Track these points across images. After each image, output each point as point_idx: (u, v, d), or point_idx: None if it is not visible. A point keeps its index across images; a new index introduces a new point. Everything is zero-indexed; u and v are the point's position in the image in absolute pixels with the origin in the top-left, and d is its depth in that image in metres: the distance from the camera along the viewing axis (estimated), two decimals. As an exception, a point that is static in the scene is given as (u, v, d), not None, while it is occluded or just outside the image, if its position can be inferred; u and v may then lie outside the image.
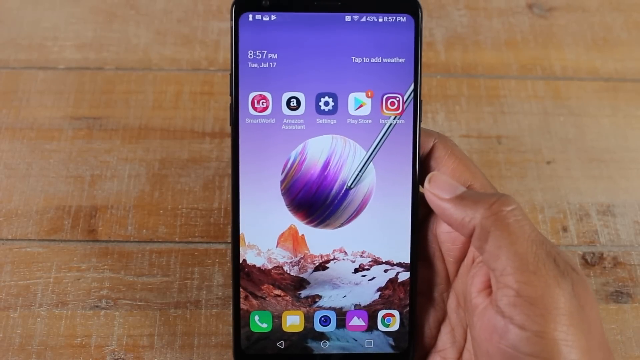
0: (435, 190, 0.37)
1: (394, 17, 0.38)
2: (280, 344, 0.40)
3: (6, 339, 0.46)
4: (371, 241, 0.39)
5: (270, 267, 0.39)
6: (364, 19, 0.38)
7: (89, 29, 0.59)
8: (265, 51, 0.38)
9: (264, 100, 0.38)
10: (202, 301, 0.48)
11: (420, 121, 0.39)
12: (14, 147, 0.53)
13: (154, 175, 0.52)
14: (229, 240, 0.49)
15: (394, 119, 0.39)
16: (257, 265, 0.39)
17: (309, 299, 0.40)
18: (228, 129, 0.41)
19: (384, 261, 0.39)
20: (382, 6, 0.38)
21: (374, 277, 0.39)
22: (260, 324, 0.39)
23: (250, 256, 0.39)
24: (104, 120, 0.55)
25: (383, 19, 0.38)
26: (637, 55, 0.60)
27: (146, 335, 0.46)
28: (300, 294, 0.40)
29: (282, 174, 0.39)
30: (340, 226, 0.39)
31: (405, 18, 0.38)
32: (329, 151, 0.39)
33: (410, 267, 0.39)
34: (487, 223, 0.34)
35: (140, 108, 0.55)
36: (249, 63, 0.38)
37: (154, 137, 0.54)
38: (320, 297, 0.40)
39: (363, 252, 0.39)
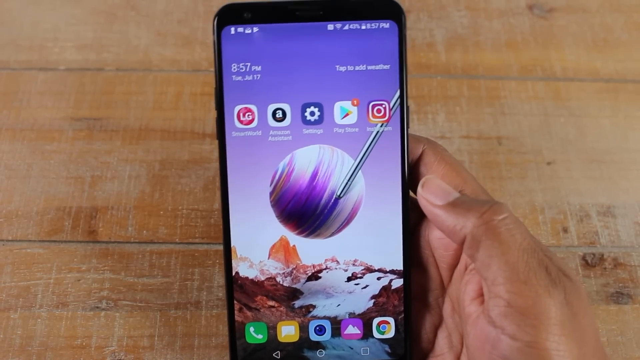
0: (428, 196, 0.36)
1: (377, 24, 0.38)
2: (277, 354, 0.40)
3: (6, 340, 0.46)
4: (363, 249, 0.39)
5: (263, 279, 0.39)
6: (346, 27, 0.38)
7: (90, 30, 0.59)
8: (249, 63, 0.38)
9: (250, 113, 0.38)
10: (203, 302, 0.48)
11: (407, 127, 0.38)
12: (15, 148, 0.53)
13: (155, 176, 0.53)
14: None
15: (381, 126, 0.38)
16: (250, 277, 0.39)
17: (303, 309, 0.39)
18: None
19: (376, 269, 0.39)
20: (365, 13, 0.38)
21: (367, 285, 0.39)
22: (255, 335, 0.39)
23: (242, 268, 0.39)
24: (104, 121, 0.55)
25: (366, 26, 0.38)
26: (638, 56, 0.59)
27: (146, 336, 0.46)
28: (294, 304, 0.39)
29: (270, 185, 0.39)
30: (331, 235, 0.39)
31: (388, 24, 0.38)
32: (317, 161, 0.38)
33: (404, 273, 0.39)
34: (478, 232, 0.34)
35: (141, 109, 0.55)
36: (233, 76, 0.38)
37: (154, 138, 0.54)
38: (314, 306, 0.39)
39: (355, 261, 0.39)
